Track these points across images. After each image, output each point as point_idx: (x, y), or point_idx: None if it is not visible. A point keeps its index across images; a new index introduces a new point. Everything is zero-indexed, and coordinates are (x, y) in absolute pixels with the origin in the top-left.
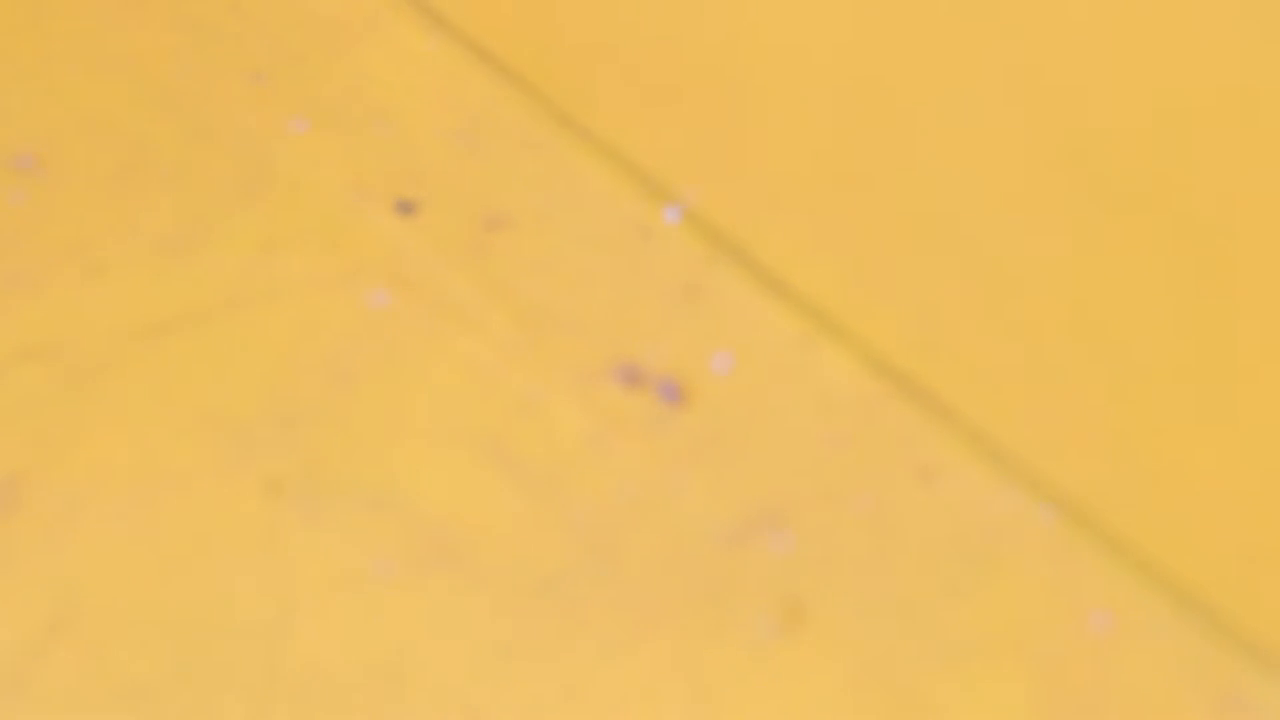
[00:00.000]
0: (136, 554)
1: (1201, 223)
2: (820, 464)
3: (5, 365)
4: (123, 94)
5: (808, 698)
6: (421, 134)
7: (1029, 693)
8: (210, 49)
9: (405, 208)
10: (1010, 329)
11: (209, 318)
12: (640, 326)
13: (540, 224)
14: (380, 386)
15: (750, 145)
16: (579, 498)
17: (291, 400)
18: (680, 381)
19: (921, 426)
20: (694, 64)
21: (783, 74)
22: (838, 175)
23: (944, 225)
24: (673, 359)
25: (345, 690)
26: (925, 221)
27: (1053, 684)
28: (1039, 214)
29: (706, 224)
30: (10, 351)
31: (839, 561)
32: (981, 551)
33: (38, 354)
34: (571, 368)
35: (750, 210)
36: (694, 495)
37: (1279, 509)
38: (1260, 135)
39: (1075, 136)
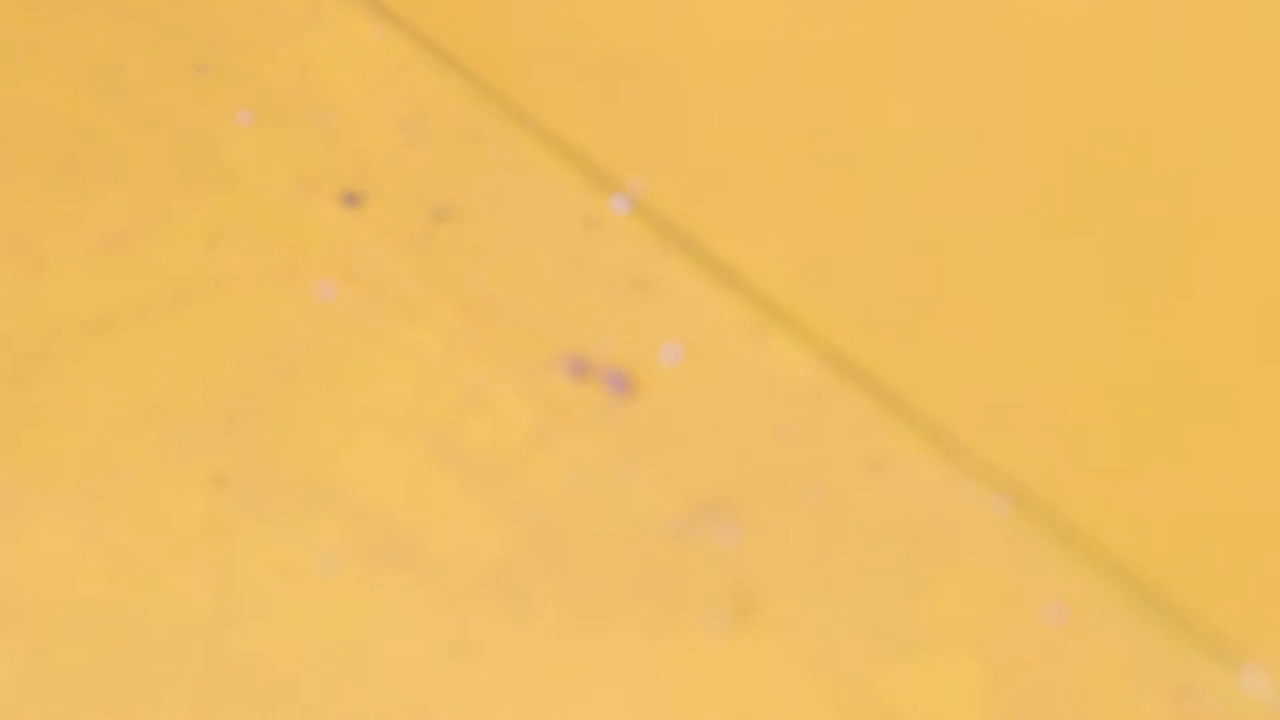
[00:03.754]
0: (80, 549)
1: (1152, 213)
2: (770, 455)
3: None
4: (65, 87)
5: (758, 688)
6: (367, 125)
7: (982, 683)
8: (152, 41)
9: (351, 199)
10: (961, 319)
11: (153, 311)
12: (588, 317)
13: (487, 215)
14: (326, 379)
15: (698, 134)
16: (526, 489)
17: (237, 394)
18: (628, 372)
19: (872, 417)
20: (640, 53)
21: (730, 62)
22: (786, 165)
23: (893, 215)
24: (621, 350)
25: (291, 685)
26: (875, 211)
27: (1006, 675)
28: (989, 205)
29: (654, 214)
30: None
31: (789, 553)
32: (933, 542)
33: None
34: (519, 359)
35: (698, 200)
36: (642, 486)
37: (1231, 500)
38: (1213, 128)
39: (1024, 126)
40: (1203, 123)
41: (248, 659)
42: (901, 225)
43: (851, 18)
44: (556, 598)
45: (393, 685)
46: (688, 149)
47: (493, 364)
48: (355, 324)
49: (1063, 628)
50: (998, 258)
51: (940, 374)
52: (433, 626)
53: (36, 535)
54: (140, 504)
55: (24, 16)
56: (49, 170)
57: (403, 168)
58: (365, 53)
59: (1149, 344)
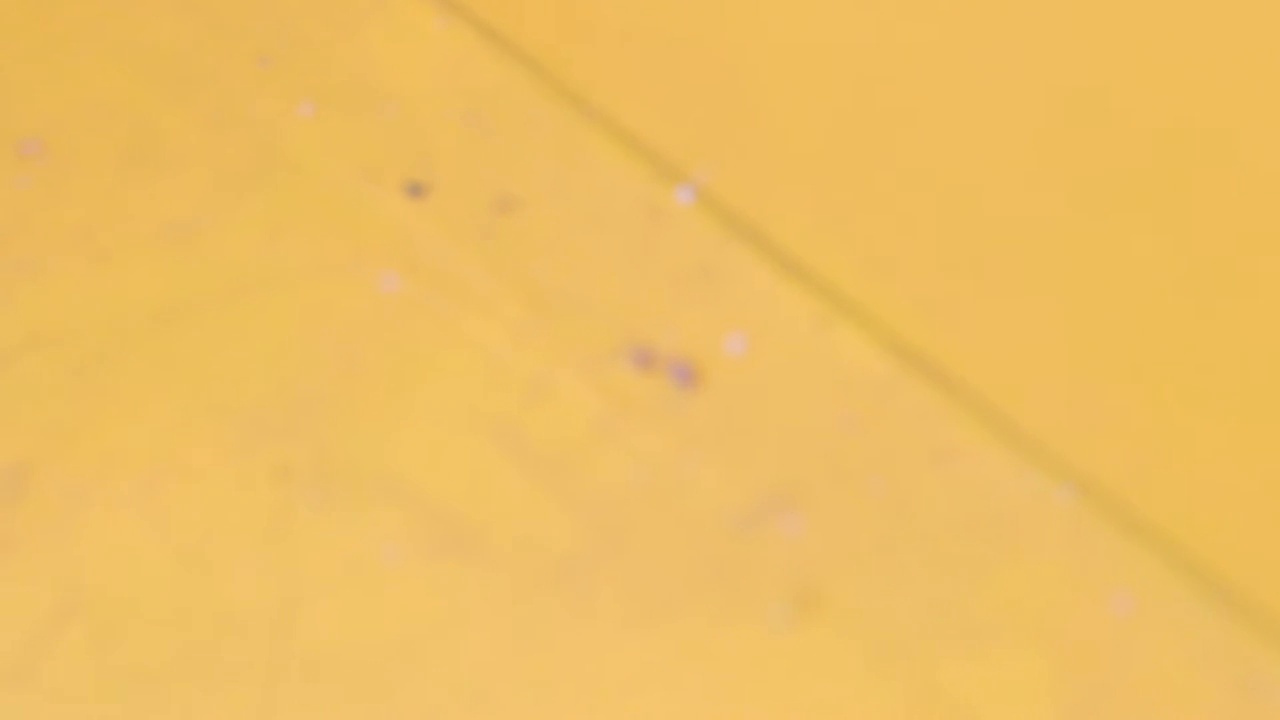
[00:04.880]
0: (144, 542)
1: (1219, 202)
2: (834, 446)
3: (11, 353)
4: (128, 79)
5: (822, 681)
6: (430, 116)
7: (1048, 675)
8: (215, 33)
9: (415, 190)
10: (1025, 308)
11: (216, 303)
12: (652, 308)
13: (551, 206)
14: (390, 370)
15: (763, 124)
16: (590, 481)
17: (300, 386)
18: (693, 364)
19: (937, 407)
20: (705, 42)
21: (795, 52)
22: (851, 155)
23: (959, 205)
24: (685, 341)
25: (355, 677)
26: (940, 201)
27: (1072, 666)
28: (1054, 194)
29: (719, 204)
30: (16, 339)
31: (854, 544)
32: (999, 533)
33: (44, 341)
34: (583, 350)
35: (763, 190)
36: (707, 478)
37: None
38: (1270, 117)
39: (1089, 116)
40: (1267, 111)
41: (312, 651)
42: (966, 215)
43: (917, 9)
44: (620, 589)
45: (456, 677)
46: (753, 139)
47: (557, 355)
48: (419, 315)
49: (1129, 618)
50: (1063, 247)
51: (1005, 364)
52: (496, 618)
53: (100, 527)
54: (204, 496)
55: (87, 8)
56: (112, 162)
57: (466, 158)
58: (428, 43)
59: (1216, 332)
